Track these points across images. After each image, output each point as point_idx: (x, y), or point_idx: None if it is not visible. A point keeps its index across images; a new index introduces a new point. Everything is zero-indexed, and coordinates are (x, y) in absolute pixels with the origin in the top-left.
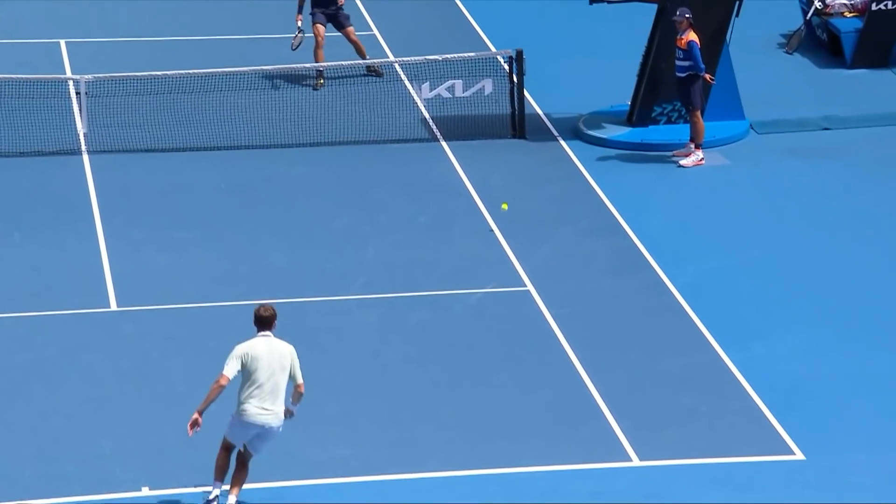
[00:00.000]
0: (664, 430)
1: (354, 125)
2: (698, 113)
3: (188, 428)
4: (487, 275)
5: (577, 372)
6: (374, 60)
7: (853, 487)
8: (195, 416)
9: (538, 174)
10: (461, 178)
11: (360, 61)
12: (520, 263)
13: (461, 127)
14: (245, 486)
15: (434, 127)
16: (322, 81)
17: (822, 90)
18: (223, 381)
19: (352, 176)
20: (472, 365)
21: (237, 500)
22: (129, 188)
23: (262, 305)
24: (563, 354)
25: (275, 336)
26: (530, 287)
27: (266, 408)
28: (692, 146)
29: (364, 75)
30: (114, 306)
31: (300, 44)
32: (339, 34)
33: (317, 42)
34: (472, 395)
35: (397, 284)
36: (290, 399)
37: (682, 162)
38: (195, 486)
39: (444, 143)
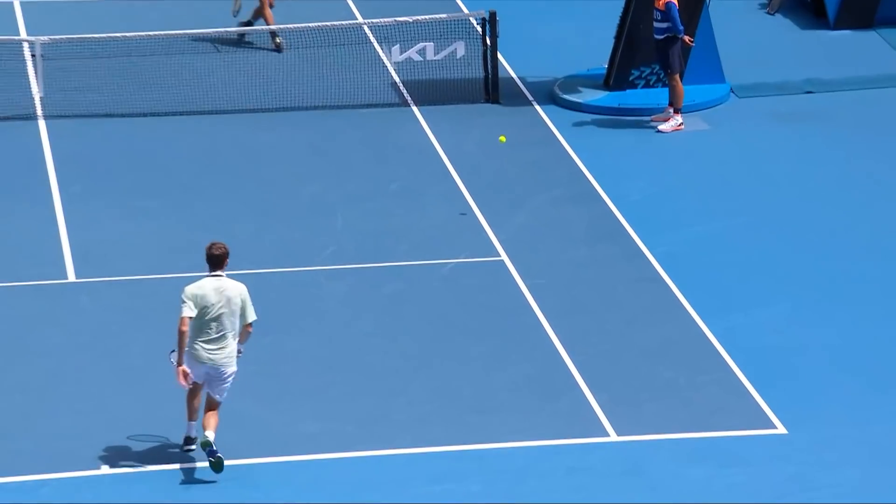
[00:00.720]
0: (642, 403)
1: (322, 89)
2: (677, 76)
3: (183, 382)
4: (460, 244)
5: (553, 344)
6: (342, 22)
7: (835, 462)
8: (180, 369)
9: (512, 140)
10: (433, 143)
11: (244, 28)
12: (493, 232)
13: (433, 91)
14: None
15: (405, 91)
16: (280, 40)
17: (804, 52)
18: (184, 327)
19: (319, 142)
20: (445, 337)
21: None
22: (88, 154)
23: (213, 243)
24: (538, 326)
25: (227, 276)
26: (504, 257)
27: (213, 348)
28: (671, 111)
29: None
30: (71, 277)
31: (239, 8)
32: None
33: (261, 3)
34: (444, 368)
35: (367, 254)
36: (239, 338)
37: (661, 127)
38: (156, 465)
39: (415, 108)
